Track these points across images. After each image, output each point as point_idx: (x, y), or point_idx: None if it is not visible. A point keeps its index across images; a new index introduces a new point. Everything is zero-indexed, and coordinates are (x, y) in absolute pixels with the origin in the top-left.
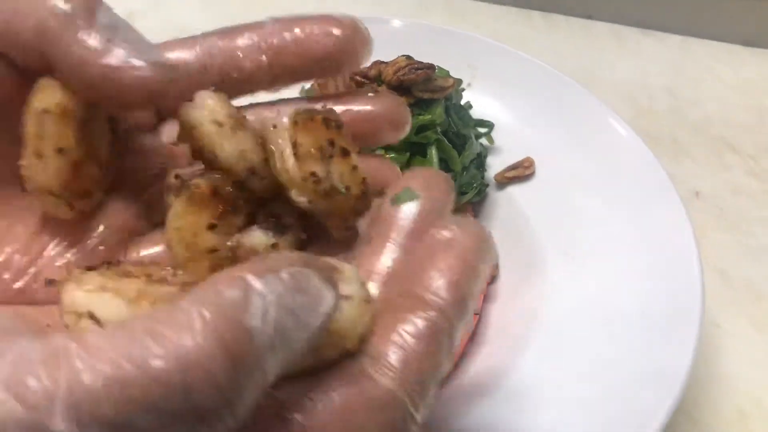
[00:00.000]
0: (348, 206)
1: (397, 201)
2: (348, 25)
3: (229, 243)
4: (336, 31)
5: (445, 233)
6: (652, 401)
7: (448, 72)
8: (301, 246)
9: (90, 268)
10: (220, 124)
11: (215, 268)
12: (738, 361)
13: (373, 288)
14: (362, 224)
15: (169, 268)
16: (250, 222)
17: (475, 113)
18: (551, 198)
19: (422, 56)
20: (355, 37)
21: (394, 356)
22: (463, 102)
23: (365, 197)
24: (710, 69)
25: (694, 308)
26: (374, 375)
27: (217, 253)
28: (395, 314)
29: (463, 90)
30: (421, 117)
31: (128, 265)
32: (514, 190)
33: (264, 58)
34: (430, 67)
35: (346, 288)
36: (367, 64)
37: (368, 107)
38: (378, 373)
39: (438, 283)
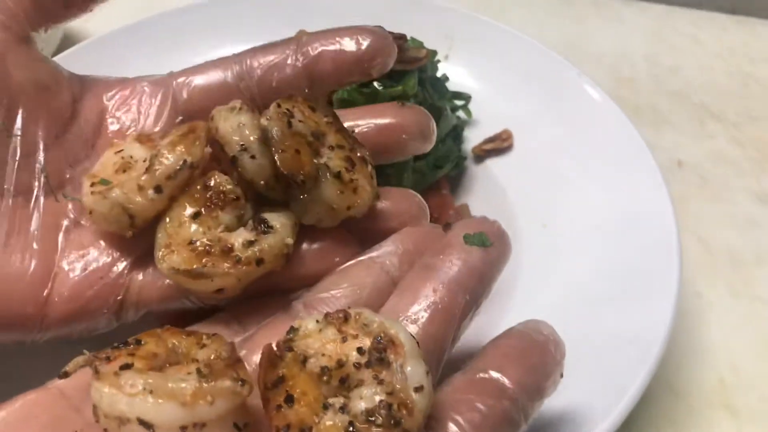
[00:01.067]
0: (333, 191)
1: (468, 240)
2: (377, 34)
3: (207, 237)
4: (367, 39)
5: (537, 336)
6: (629, 366)
7: (422, 43)
8: (289, 249)
9: (111, 358)
10: (231, 109)
11: (191, 260)
12: (718, 329)
13: (413, 328)
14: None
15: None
16: (240, 226)
17: (453, 86)
18: (529, 170)
19: (398, 28)
20: (384, 44)
21: None
22: (439, 74)
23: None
24: (692, 37)
25: (671, 272)
26: None
27: (194, 245)
28: (471, 394)
29: (439, 62)
30: (392, 89)
31: (151, 344)
32: (491, 163)
33: (300, 64)
34: (401, 37)
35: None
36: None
37: (394, 120)
38: None
39: (521, 379)
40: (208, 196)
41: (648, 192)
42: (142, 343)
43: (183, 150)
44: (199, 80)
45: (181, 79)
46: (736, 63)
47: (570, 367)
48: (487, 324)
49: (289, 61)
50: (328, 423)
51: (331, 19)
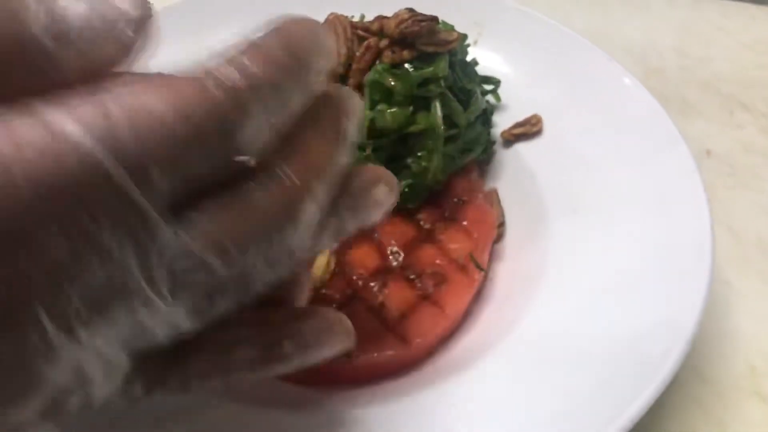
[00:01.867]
0: None
1: None
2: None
3: None
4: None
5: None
6: (658, 354)
7: (452, 26)
8: None
9: None
10: None
11: None
12: (748, 317)
13: None
14: None
15: None
16: None
17: (482, 71)
18: (559, 154)
19: (428, 12)
20: None
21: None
22: (469, 59)
23: None
24: (721, 27)
25: (703, 257)
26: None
27: None
28: None
29: (469, 46)
30: (423, 70)
31: None
32: (520, 147)
33: None
34: (434, 19)
35: None
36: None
37: None
38: None
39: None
40: None
41: (680, 178)
42: None
43: None
44: None
45: None
46: (765, 53)
47: (600, 351)
48: (516, 310)
49: None
50: None
51: (361, 3)
